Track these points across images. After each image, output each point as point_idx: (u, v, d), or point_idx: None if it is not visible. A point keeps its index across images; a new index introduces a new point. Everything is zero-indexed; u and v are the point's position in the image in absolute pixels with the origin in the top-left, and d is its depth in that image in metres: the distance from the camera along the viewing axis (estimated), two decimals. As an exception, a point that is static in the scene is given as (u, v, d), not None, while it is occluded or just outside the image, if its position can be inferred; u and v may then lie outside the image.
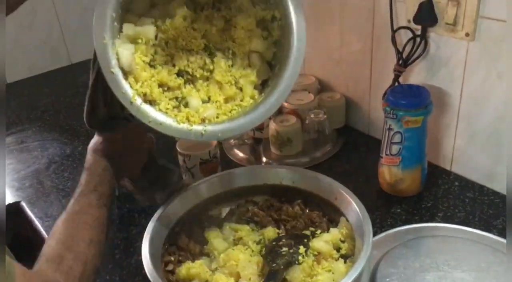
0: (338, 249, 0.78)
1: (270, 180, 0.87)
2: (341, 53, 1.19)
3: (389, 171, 0.97)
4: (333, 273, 0.73)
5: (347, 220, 0.80)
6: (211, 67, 0.76)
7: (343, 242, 0.79)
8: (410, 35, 0.99)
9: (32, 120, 1.42)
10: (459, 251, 0.80)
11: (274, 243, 0.79)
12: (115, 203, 1.01)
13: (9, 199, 1.08)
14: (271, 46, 0.78)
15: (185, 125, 0.71)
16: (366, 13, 1.07)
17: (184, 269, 0.74)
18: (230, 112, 0.75)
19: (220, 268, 0.75)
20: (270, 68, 0.79)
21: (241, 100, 0.77)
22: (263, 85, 0.79)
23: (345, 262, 0.75)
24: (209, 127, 0.71)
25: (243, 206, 0.87)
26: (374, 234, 0.85)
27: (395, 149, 0.94)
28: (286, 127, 1.11)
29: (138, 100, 0.69)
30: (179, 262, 0.76)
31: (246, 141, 1.21)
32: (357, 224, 0.77)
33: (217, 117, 0.73)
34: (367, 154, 1.11)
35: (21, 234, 1.10)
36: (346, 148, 1.16)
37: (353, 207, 0.78)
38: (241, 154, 1.18)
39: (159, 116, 0.70)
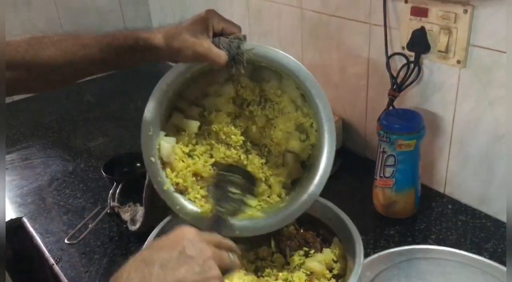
0: (330, 269, 0.80)
1: (266, 200, 0.89)
2: (339, 77, 1.22)
3: (383, 193, 0.99)
4: (325, 292, 0.74)
5: (340, 240, 0.82)
6: (245, 162, 0.81)
7: (335, 262, 0.81)
8: (404, 61, 1.02)
9: (36, 137, 1.45)
10: (450, 274, 0.82)
11: (226, 173, 0.77)
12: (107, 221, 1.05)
13: (11, 214, 1.11)
14: (308, 148, 0.81)
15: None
16: (363, 39, 1.11)
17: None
18: (255, 207, 0.80)
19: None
20: (304, 168, 0.82)
21: (268, 197, 0.81)
22: (293, 183, 0.83)
23: (337, 281, 0.77)
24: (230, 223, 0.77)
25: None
26: (367, 255, 0.87)
27: (388, 171, 0.96)
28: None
29: (171, 188, 0.78)
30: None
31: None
32: (349, 245, 0.78)
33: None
34: (363, 176, 1.13)
35: (22, 250, 1.12)
36: (342, 170, 1.17)
37: (346, 228, 0.80)
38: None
39: (187, 204, 0.78)
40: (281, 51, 0.77)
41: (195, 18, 0.73)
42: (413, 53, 0.99)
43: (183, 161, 0.80)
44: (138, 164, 1.21)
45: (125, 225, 1.02)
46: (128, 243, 0.99)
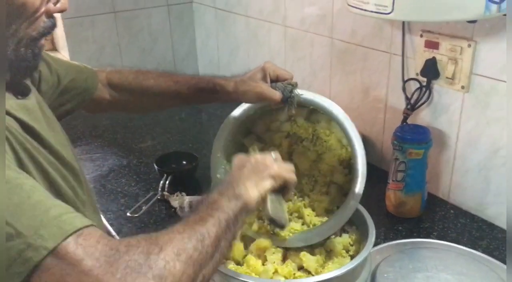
0: (347, 250, 0.97)
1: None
2: (361, 98, 1.41)
3: (394, 195, 1.16)
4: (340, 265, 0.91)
5: (357, 228, 0.99)
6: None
7: (351, 245, 0.98)
8: (418, 85, 1.20)
9: (94, 137, 1.66)
10: (447, 260, 0.98)
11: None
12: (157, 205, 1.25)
13: (76, 196, 1.31)
14: (350, 181, 0.96)
15: None
16: (384, 66, 1.30)
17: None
18: (302, 225, 0.99)
19: (251, 253, 0.94)
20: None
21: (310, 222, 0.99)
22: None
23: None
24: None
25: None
26: (378, 244, 1.03)
27: (400, 175, 1.13)
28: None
29: None
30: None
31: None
32: (364, 230, 0.96)
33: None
34: (378, 183, 1.29)
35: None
36: (360, 178, 1.34)
37: (363, 219, 0.97)
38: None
39: None
40: (325, 98, 0.96)
41: (256, 69, 0.96)
42: (425, 79, 1.18)
43: None
44: (184, 162, 1.41)
45: (173, 209, 1.21)
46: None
